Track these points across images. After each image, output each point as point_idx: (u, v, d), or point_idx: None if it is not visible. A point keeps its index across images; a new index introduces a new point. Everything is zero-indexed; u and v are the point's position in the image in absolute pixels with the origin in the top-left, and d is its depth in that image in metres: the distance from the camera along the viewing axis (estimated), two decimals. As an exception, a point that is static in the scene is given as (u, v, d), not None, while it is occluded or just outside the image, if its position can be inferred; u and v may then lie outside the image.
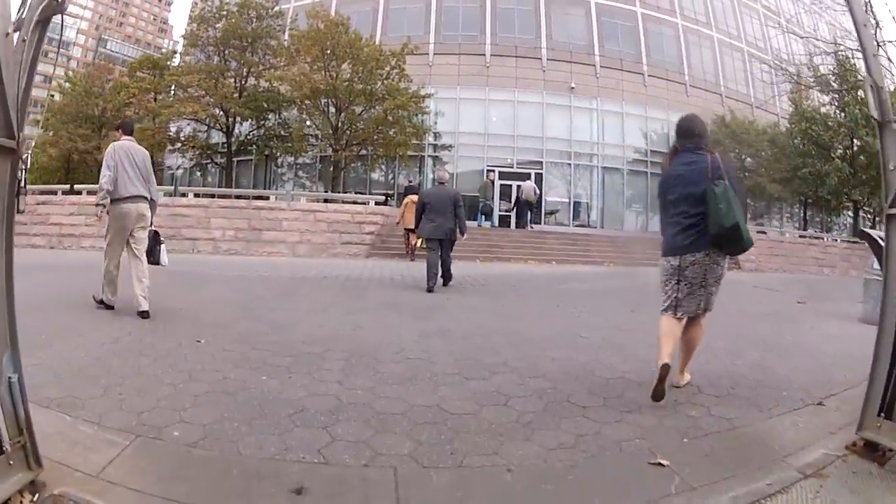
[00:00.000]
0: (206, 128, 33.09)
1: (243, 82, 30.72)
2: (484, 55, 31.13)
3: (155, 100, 32.10)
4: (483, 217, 24.15)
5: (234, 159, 33.43)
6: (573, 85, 31.08)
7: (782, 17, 37.52)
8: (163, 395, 3.48)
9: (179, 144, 33.15)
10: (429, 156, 30.87)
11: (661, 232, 3.91)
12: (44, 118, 42.31)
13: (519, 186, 24.94)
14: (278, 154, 32.59)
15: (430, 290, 9.01)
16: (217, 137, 33.77)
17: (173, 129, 32.83)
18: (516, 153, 30.48)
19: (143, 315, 5.69)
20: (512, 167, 29.76)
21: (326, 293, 8.60)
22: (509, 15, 31.81)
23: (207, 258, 14.61)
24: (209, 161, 34.67)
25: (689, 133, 3.75)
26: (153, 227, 6.55)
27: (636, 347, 5.15)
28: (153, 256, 6.58)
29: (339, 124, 26.84)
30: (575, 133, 31.02)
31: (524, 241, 20.46)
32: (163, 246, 7.10)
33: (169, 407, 3.27)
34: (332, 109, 26.88)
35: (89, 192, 17.91)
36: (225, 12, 29.88)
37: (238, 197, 20.61)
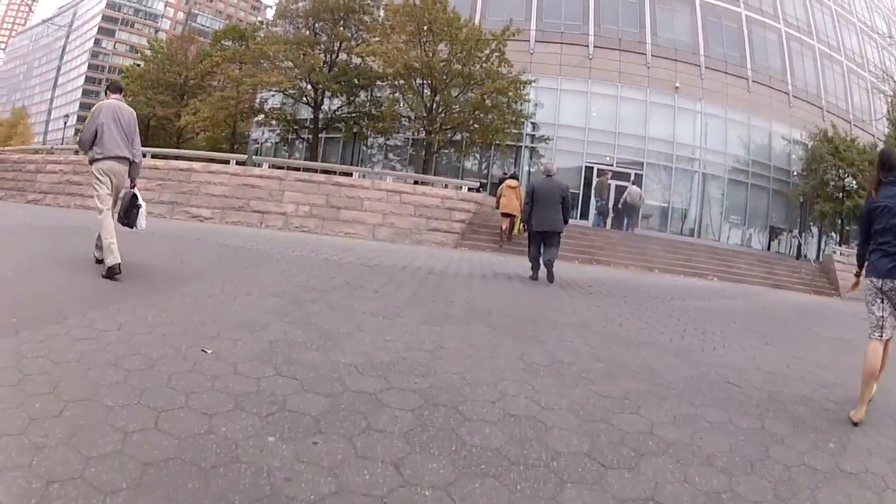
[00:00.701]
0: (292, 101, 33.32)
1: (333, 56, 30.77)
2: (587, 46, 30.88)
3: (240, 69, 32.16)
4: (600, 217, 23.86)
5: (322, 136, 33.66)
6: (678, 84, 30.62)
7: (876, 32, 38.29)
8: (92, 452, 2.20)
9: (263, 116, 33.63)
10: (526, 146, 30.67)
11: (859, 256, 4.33)
12: (124, 82, 44.18)
13: (626, 189, 24.84)
14: (368, 133, 32.50)
15: (534, 279, 9.64)
16: (305, 113, 33.96)
17: (257, 100, 33.27)
18: (617, 151, 30.00)
19: (112, 272, 5.72)
20: (612, 166, 29.20)
21: (402, 290, 7.17)
22: (613, 6, 31.62)
23: (274, 234, 13.70)
24: (295, 136, 34.96)
25: (892, 166, 4.02)
26: (133, 189, 6.53)
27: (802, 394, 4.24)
28: (128, 219, 6.60)
29: (434, 106, 26.29)
30: (677, 135, 30.57)
31: (625, 244, 19.46)
32: (141, 209, 6.77)
33: (86, 482, 1.98)
34: (427, 91, 26.35)
35: (154, 156, 17.86)
36: (317, -19, 29.76)
37: (322, 171, 19.68)
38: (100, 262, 6.06)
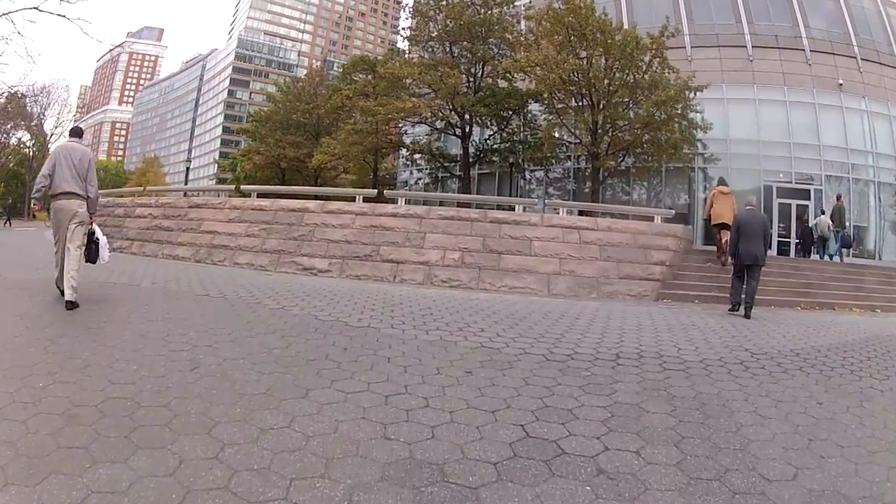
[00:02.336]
0: (436, 132, 33.60)
1: (477, 79, 30.73)
2: (745, 47, 30.81)
3: (374, 101, 32.23)
4: (845, 251, 22.62)
5: (474, 172, 33.46)
6: (841, 81, 30.02)
7: None
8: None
9: (406, 151, 34.33)
10: (699, 168, 30.11)
11: None
12: (252, 126, 48.52)
13: (816, 217, 24.59)
14: (524, 164, 32.35)
15: (734, 311, 10.88)
16: (455, 149, 34.36)
17: (398, 132, 33.85)
18: (793, 165, 29.49)
19: (69, 306, 6.93)
20: (790, 182, 29.09)
21: (594, 416, 4.29)
22: None
23: (412, 293, 11.13)
24: (447, 174, 35.12)
25: None
26: (92, 226, 7.74)
27: None
28: (89, 254, 7.67)
29: (598, 124, 25.51)
30: (850, 140, 29.87)
31: (838, 278, 16.81)
32: (101, 242, 7.86)
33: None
34: (588, 109, 25.70)
35: (259, 195, 16.81)
36: (445, 2, 30.19)
37: (469, 206, 17.22)
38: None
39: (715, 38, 30.87)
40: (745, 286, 10.74)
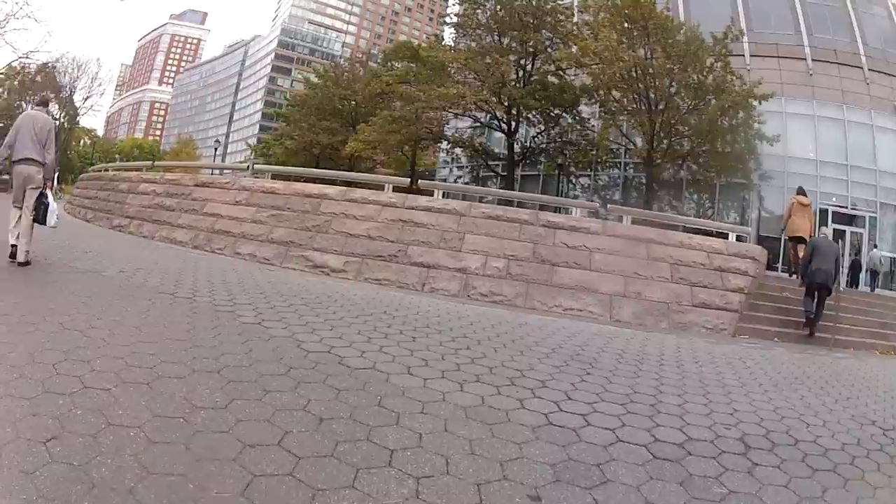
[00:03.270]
0: (480, 126, 32.60)
1: (527, 69, 29.40)
2: (804, 59, 29.89)
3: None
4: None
5: (518, 172, 32.34)
6: None
7: None
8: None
9: (447, 144, 33.09)
10: (755, 184, 28.66)
11: None
12: (287, 110, 48.37)
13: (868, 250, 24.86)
14: (571, 166, 31.21)
15: (808, 326, 11.21)
16: (498, 145, 33.22)
17: (439, 122, 32.20)
18: (849, 188, 28.39)
19: (22, 264, 7.63)
20: (845, 207, 28.03)
21: None
22: (821, 12, 30.64)
23: (443, 308, 9.10)
24: (489, 172, 34.37)
25: None
26: (45, 189, 8.11)
27: None
28: (37, 215, 7.99)
29: (658, 126, 24.33)
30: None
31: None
32: (50, 208, 7.97)
33: None
34: (643, 114, 24.83)
35: (274, 177, 15.41)
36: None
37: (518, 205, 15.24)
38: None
39: (774, 49, 29.87)
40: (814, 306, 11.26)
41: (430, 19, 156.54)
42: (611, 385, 5.27)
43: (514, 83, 27.84)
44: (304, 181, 14.28)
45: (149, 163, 21.94)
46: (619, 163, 30.42)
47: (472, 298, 10.66)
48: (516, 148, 30.14)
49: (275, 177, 14.55)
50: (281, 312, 6.55)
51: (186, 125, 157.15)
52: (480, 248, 11.56)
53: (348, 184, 14.00)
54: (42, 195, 7.98)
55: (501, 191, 20.89)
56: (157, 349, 4.52)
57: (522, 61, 29.05)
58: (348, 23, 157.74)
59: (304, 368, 4.55)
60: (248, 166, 15.04)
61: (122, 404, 3.41)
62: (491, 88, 26.87)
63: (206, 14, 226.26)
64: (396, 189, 13.63)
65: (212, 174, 19.26)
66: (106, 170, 22.37)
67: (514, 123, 29.21)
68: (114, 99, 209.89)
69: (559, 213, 15.76)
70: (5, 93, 56.47)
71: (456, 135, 32.21)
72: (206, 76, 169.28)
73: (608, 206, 17.38)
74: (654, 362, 6.73)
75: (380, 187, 13.86)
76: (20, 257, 7.60)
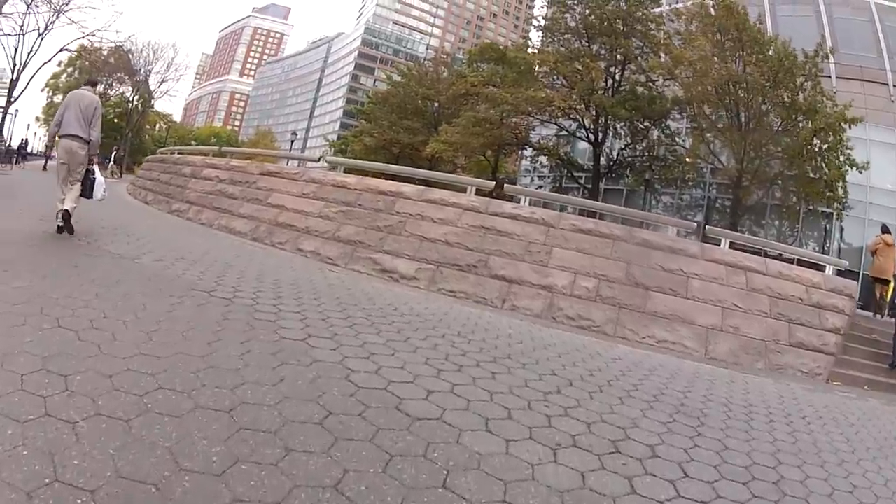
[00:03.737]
0: (566, 135, 31.84)
1: (617, 77, 28.67)
2: (887, 84, 28.65)
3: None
4: None
5: (601, 186, 31.11)
6: None
7: None
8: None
9: (529, 151, 32.69)
10: (836, 213, 26.86)
11: None
12: (368, 107, 48.48)
13: None
14: (658, 182, 30.32)
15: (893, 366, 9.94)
16: (582, 156, 32.51)
17: (525, 126, 31.94)
18: None
19: (59, 230, 8.26)
20: None
21: None
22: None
23: (525, 330, 7.97)
24: (573, 185, 33.69)
25: None
26: (92, 165, 8.77)
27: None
28: (85, 189, 8.65)
29: (748, 145, 23.35)
30: None
31: None
32: (97, 181, 8.68)
33: None
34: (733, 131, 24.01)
35: (348, 170, 14.00)
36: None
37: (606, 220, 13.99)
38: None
39: (859, 71, 28.56)
40: None
41: (516, 26, 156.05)
42: (727, 453, 4.20)
43: (602, 91, 27.09)
44: (379, 177, 13.29)
45: (215, 147, 21.30)
46: (703, 182, 29.48)
47: (556, 321, 9.38)
48: (602, 160, 29.26)
49: (348, 171, 13.46)
50: (334, 327, 5.43)
51: (266, 118, 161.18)
52: (569, 264, 10.24)
53: (427, 183, 12.84)
54: (89, 170, 8.66)
55: (594, 202, 19.58)
56: (159, 367, 3.52)
57: (612, 69, 28.29)
58: (433, 25, 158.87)
59: (349, 415, 3.41)
60: (320, 156, 14.08)
61: (83, 450, 2.46)
62: (580, 94, 26.01)
63: (289, 9, 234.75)
64: (479, 192, 12.44)
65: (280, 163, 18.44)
66: (172, 152, 21.99)
67: (600, 134, 28.28)
68: (193, 87, 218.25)
69: (644, 228, 14.40)
70: (76, 72, 57.49)
71: (542, 141, 31.37)
72: (289, 70, 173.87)
73: (706, 226, 15.91)
74: (763, 418, 5.58)
75: (461, 189, 12.71)
76: (59, 221, 8.21)
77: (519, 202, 12.48)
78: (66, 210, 8.19)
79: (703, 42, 22.79)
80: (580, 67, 26.16)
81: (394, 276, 10.08)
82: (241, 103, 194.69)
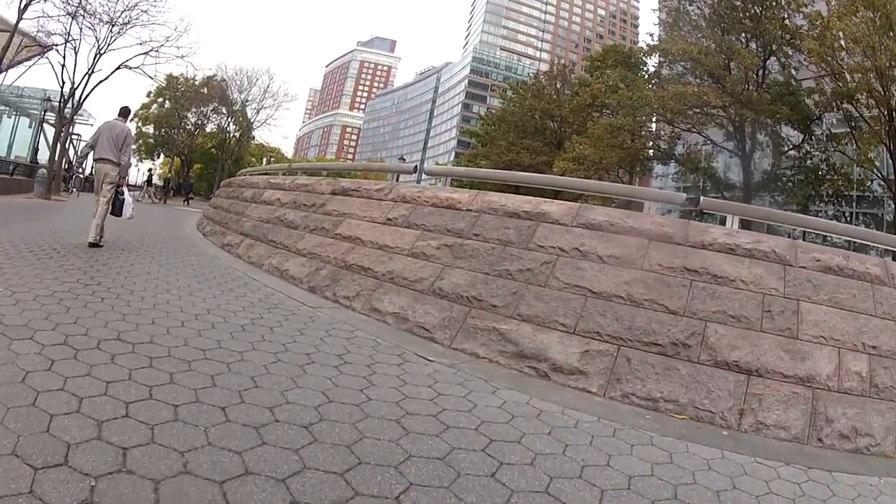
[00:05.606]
0: (708, 143, 28.63)
1: (761, 71, 25.16)
2: None
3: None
4: None
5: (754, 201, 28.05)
6: None
7: None
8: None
9: (674, 166, 30.99)
10: None
11: None
12: (482, 129, 47.30)
13: None
14: (824, 199, 26.55)
15: None
16: (722, 172, 29.68)
17: (669, 135, 29.28)
18: None
19: (91, 245, 9.15)
20: None
21: None
22: None
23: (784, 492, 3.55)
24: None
25: None
26: (121, 187, 9.83)
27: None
28: (114, 208, 9.65)
29: None
30: None
31: None
32: (126, 201, 9.82)
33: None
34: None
35: (456, 181, 10.80)
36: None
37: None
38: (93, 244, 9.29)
39: None
40: None
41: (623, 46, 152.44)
42: None
43: (755, 87, 24.19)
44: (503, 190, 9.18)
45: (285, 164, 17.89)
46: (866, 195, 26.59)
47: (824, 446, 4.95)
48: (755, 174, 26.06)
49: (455, 183, 9.37)
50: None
51: (379, 150, 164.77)
52: (829, 331, 5.76)
53: (579, 197, 8.56)
54: (118, 191, 9.70)
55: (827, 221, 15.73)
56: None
57: (757, 52, 25.30)
58: (540, 49, 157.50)
59: None
60: (415, 167, 9.92)
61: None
62: (732, 90, 22.75)
63: (394, 42, 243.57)
64: (687, 212, 8.03)
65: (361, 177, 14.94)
66: (244, 174, 18.73)
67: (748, 142, 25.32)
68: (303, 121, 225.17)
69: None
70: (166, 102, 58.49)
71: (690, 152, 28.04)
72: (399, 102, 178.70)
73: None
74: None
75: (634, 206, 8.32)
76: (91, 237, 9.17)
77: (725, 223, 7.91)
78: (94, 243, 9.14)
79: (848, 24, 20.61)
80: (727, 56, 23.59)
81: (540, 366, 5.56)
82: (353, 136, 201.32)
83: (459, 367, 5.24)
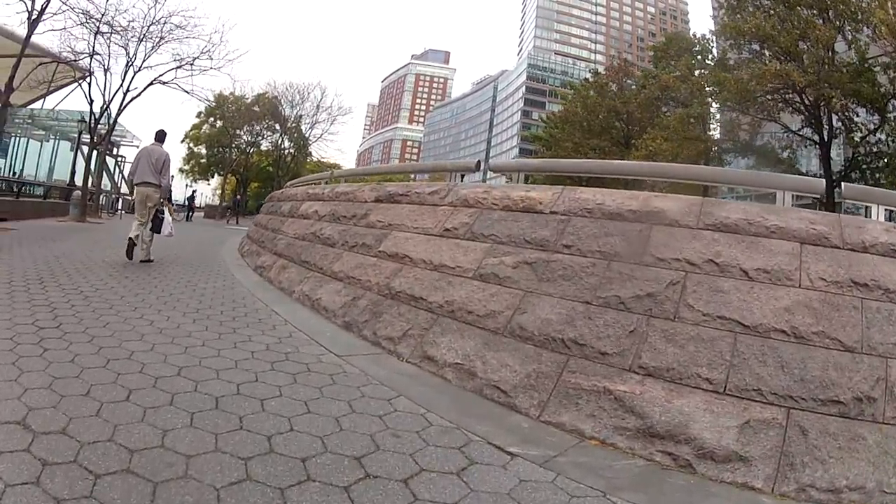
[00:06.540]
0: (787, 131, 26.80)
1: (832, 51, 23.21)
2: None
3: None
4: None
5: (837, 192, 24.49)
6: None
7: None
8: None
9: (752, 159, 28.39)
10: None
11: None
12: (545, 132, 46.87)
13: None
14: None
15: None
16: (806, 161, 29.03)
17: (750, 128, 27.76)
18: None
19: (144, 262, 10.06)
20: None
21: None
22: None
23: None
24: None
25: None
26: (162, 206, 10.62)
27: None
28: (154, 225, 10.33)
29: None
30: None
31: None
32: (166, 220, 10.48)
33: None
34: None
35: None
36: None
37: None
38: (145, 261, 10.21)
39: None
40: None
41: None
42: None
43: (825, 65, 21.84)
44: (596, 185, 7.40)
45: (327, 173, 16.37)
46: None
47: None
48: (837, 161, 24.22)
49: (529, 180, 7.66)
50: None
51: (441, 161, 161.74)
52: None
53: (705, 190, 6.79)
54: (158, 211, 10.47)
55: None
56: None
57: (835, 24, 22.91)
58: (594, 52, 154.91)
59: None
60: (478, 162, 8.12)
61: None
62: (811, 67, 20.76)
63: (448, 53, 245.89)
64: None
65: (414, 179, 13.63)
66: (289, 186, 17.33)
67: (824, 128, 23.06)
68: (363, 137, 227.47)
69: None
70: (217, 121, 58.98)
71: (768, 142, 25.86)
72: (458, 113, 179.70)
73: None
74: None
75: (818, 199, 6.40)
76: (141, 256, 10.06)
77: (870, 216, 5.86)
78: (134, 245, 9.94)
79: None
80: (798, 32, 21.46)
81: (678, 450, 3.50)
82: (414, 150, 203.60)
83: (556, 463, 3.25)
